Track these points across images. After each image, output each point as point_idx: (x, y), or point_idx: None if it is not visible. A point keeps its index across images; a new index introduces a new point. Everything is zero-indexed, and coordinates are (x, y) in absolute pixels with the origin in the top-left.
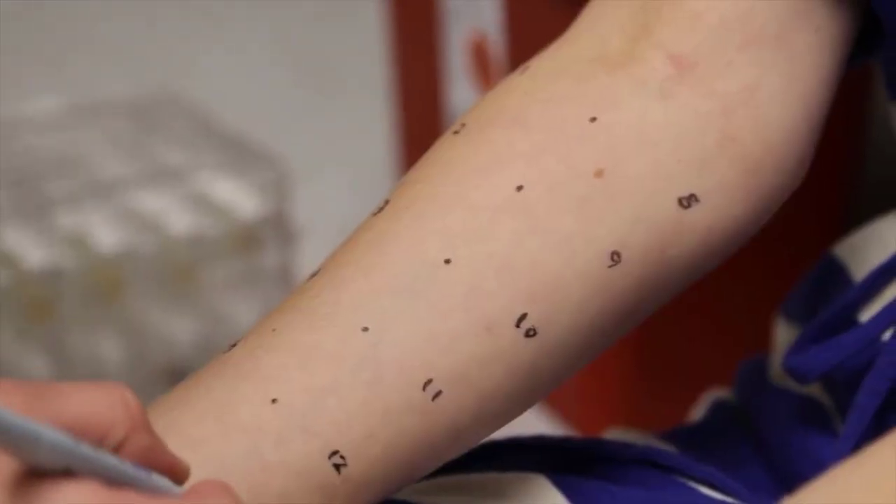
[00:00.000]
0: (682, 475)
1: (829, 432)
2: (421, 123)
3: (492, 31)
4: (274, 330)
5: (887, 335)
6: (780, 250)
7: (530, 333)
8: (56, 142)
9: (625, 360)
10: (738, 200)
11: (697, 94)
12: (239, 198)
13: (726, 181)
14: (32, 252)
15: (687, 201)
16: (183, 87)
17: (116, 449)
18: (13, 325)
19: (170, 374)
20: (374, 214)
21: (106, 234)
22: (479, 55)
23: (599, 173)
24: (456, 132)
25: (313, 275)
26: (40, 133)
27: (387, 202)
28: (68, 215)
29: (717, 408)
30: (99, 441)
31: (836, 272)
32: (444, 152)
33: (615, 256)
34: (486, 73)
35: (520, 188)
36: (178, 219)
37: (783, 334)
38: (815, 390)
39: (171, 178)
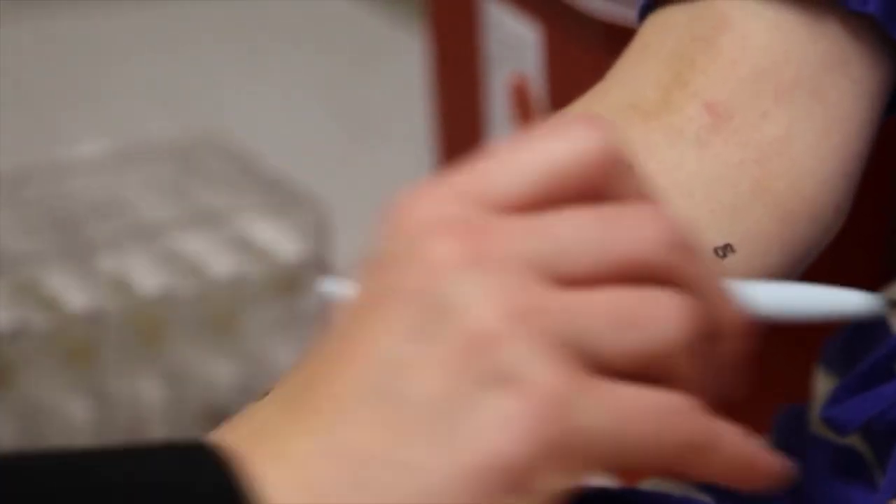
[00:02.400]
0: None
1: (868, 484)
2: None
3: (533, 74)
4: None
5: None
6: None
7: None
8: (98, 185)
9: None
10: (773, 250)
11: (732, 144)
12: (280, 240)
13: (761, 231)
14: (74, 295)
15: (722, 251)
16: (225, 130)
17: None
18: (55, 368)
19: (210, 417)
20: None
21: (147, 277)
22: (521, 98)
23: None
24: None
25: None
26: (83, 176)
27: None
28: (110, 258)
29: None
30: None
31: (876, 322)
32: None
33: None
34: (528, 116)
35: None
36: (218, 261)
37: (823, 384)
38: (854, 441)
39: (212, 220)
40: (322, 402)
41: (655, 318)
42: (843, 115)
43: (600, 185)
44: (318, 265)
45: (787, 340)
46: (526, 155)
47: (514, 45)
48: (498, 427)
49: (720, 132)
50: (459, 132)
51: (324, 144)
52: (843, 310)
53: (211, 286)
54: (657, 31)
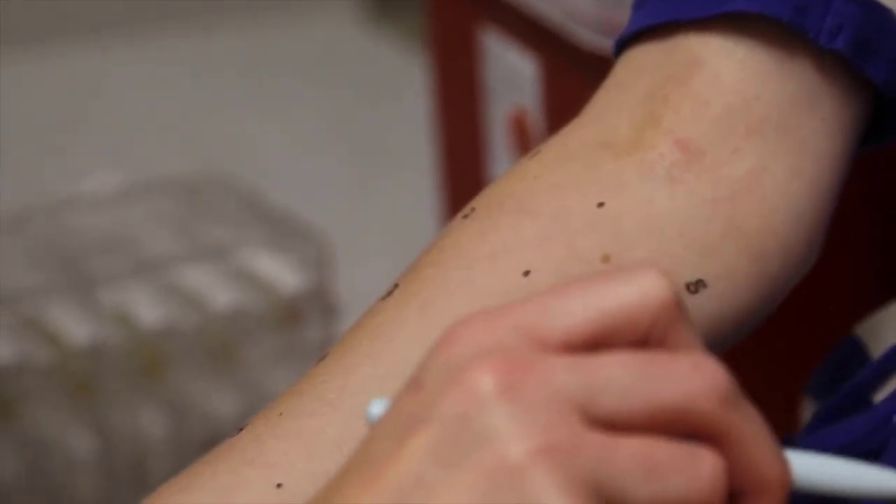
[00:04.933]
0: None
1: None
2: (465, 199)
3: (531, 107)
4: (280, 414)
5: None
6: (806, 328)
7: None
8: (101, 219)
9: None
10: (745, 286)
11: (704, 181)
12: (281, 273)
13: (733, 267)
14: (76, 329)
15: (695, 287)
16: (228, 163)
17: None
18: (57, 402)
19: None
20: (383, 299)
21: (148, 310)
22: (520, 130)
23: (606, 258)
24: (465, 216)
25: (322, 358)
26: (86, 211)
27: (396, 286)
28: (111, 292)
29: None
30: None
31: (857, 351)
32: (454, 237)
33: None
34: (527, 148)
35: (527, 273)
36: (220, 294)
37: (809, 412)
38: None
39: (214, 253)
40: None
41: (685, 472)
42: (813, 152)
43: (657, 334)
44: (320, 297)
45: (774, 367)
46: (588, 297)
47: (513, 79)
48: None
49: (692, 169)
50: (462, 165)
51: (326, 177)
52: (884, 488)
53: (213, 319)
54: (631, 69)
